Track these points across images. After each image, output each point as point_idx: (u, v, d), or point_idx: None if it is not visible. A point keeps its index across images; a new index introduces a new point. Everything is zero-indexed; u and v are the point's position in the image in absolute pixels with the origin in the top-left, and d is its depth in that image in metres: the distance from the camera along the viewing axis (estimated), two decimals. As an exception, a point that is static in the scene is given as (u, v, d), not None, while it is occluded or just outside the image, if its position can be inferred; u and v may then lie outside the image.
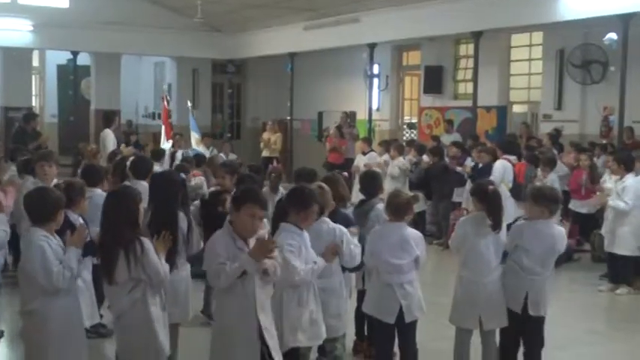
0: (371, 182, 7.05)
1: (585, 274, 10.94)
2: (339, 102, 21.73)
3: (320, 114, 22.62)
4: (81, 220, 6.25)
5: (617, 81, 13.21)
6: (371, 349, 6.69)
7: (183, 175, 7.37)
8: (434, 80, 19.60)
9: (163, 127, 17.10)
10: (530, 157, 12.01)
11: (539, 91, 17.74)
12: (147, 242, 5.00)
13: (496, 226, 6.07)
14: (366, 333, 7.05)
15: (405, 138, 20.15)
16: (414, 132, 20.82)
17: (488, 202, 6.11)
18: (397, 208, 6.00)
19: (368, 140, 15.93)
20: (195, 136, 16.65)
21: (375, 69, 20.09)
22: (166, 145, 16.11)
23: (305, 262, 5.39)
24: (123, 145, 15.23)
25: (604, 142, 14.81)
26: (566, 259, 11.11)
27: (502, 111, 18.31)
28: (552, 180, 11.38)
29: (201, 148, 15.77)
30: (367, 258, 6.03)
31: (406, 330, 6.03)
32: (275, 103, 24.47)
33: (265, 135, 19.50)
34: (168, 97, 18.38)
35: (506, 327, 6.27)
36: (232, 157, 15.53)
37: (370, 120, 18.71)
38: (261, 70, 25.08)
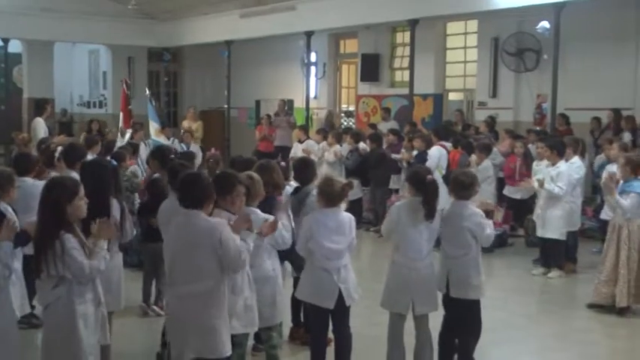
0: (304, 169, 7.01)
1: (519, 259, 11.12)
2: (276, 90, 21.60)
3: (257, 102, 22.51)
4: (10, 210, 6.10)
5: (550, 69, 13.40)
6: (307, 335, 6.68)
7: (115, 163, 7.23)
8: (371, 68, 19.67)
9: (122, 115, 15.99)
10: (465, 145, 12.14)
11: (475, 79, 17.93)
12: (70, 240, 4.76)
13: (430, 215, 6.05)
14: (302, 319, 7.05)
15: (342, 126, 20.18)
16: (352, 120, 20.86)
17: (425, 191, 6.08)
18: (331, 197, 5.99)
19: (304, 128, 15.92)
20: (154, 126, 15.44)
21: (312, 57, 20.06)
22: (127, 135, 14.94)
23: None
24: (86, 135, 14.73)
25: (538, 129, 15.02)
26: (500, 243, 11.29)
27: (438, 99, 18.44)
28: (486, 167, 11.54)
29: (161, 139, 14.72)
30: (302, 244, 6.01)
31: (342, 314, 6.04)
32: (212, 91, 24.33)
33: (185, 124, 18.43)
34: (128, 81, 17.49)
35: (446, 315, 6.34)
36: (194, 148, 14.88)
37: (307, 108, 18.67)
38: (197, 58, 24.80)
